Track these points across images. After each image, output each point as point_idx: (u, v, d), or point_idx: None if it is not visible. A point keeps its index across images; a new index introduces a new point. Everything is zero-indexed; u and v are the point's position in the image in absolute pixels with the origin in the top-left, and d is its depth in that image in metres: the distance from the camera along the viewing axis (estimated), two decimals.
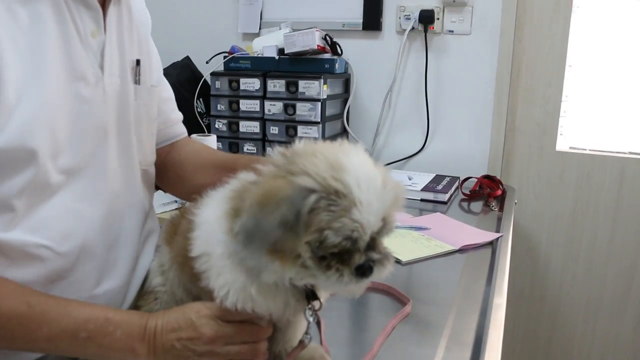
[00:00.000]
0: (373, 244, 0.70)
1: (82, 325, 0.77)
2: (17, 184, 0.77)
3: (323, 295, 0.78)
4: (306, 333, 0.81)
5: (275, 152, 0.73)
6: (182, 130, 1.25)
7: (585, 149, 2.25)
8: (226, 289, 0.74)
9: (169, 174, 1.20)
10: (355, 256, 0.68)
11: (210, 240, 0.77)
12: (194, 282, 0.84)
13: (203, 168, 1.18)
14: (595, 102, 2.22)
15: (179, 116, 1.24)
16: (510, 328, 2.38)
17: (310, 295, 0.77)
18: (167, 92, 1.21)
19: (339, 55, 2.26)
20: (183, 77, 2.34)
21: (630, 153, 2.19)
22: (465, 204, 1.97)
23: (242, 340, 0.78)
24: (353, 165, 0.67)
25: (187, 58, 2.44)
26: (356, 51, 2.35)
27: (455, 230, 1.60)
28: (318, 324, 0.97)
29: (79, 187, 0.86)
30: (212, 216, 0.79)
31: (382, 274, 0.71)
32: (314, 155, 0.67)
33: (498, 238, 1.54)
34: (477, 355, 0.94)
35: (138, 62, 1.01)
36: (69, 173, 0.85)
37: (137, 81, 1.00)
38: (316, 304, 0.77)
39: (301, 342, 0.82)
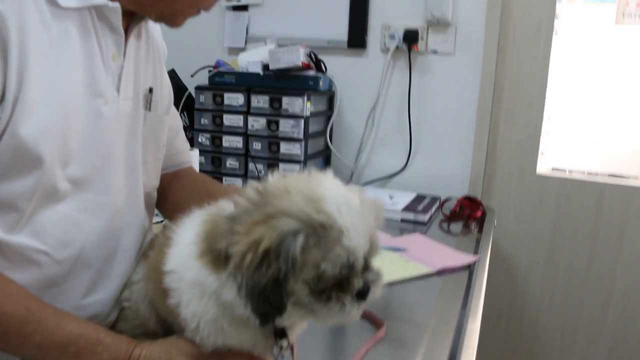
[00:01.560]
0: (366, 265, 0.70)
1: (73, 340, 0.78)
2: (24, 186, 0.80)
3: (293, 334, 0.78)
4: None
5: (248, 188, 0.73)
6: (187, 159, 1.28)
7: (565, 170, 2.27)
8: (196, 320, 0.74)
9: (167, 200, 1.21)
10: (354, 281, 0.68)
11: (183, 261, 0.77)
12: (161, 298, 0.84)
13: (197, 197, 1.19)
14: (576, 122, 2.24)
15: (186, 146, 1.28)
16: (489, 349, 2.38)
17: (279, 333, 0.76)
18: (176, 121, 1.25)
19: (324, 72, 2.27)
20: None
21: (610, 175, 2.21)
22: (445, 225, 1.98)
23: None
24: (329, 193, 0.67)
25: (173, 71, 2.43)
26: (341, 69, 2.36)
27: (434, 251, 1.60)
28: (291, 348, 0.96)
29: (84, 198, 0.88)
30: (186, 238, 0.79)
31: (378, 293, 0.72)
32: (288, 192, 0.67)
33: (475, 261, 1.54)
34: None
35: (151, 90, 1.04)
36: (76, 183, 0.87)
37: (148, 108, 1.04)
38: (284, 342, 0.77)
39: None
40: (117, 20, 0.91)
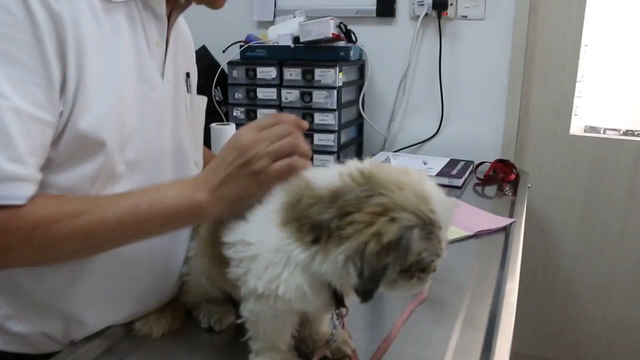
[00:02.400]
0: None
1: (139, 198, 0.84)
2: (88, 170, 0.86)
3: (349, 300, 0.83)
4: (332, 335, 0.87)
5: (350, 166, 0.78)
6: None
7: (600, 129, 2.27)
8: (275, 283, 0.78)
9: None
10: (434, 264, 0.76)
11: (253, 231, 0.82)
12: (219, 269, 0.90)
13: None
14: (611, 81, 2.23)
15: None
16: (523, 309, 2.41)
17: (340, 301, 0.82)
18: None
19: (354, 42, 2.28)
20: (200, 67, 2.35)
21: None
22: (479, 189, 2.01)
23: (281, 136, 0.85)
24: (433, 194, 0.75)
25: (204, 47, 2.47)
26: (370, 38, 2.38)
27: (470, 215, 1.64)
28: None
29: (137, 179, 0.93)
30: (258, 207, 0.84)
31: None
32: (401, 189, 0.73)
33: (511, 223, 1.58)
34: (490, 338, 0.99)
35: (188, 74, 1.10)
36: (131, 165, 0.92)
37: (189, 91, 1.10)
38: (343, 310, 0.83)
39: (327, 342, 0.88)
40: (162, 8, 0.96)
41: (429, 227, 0.72)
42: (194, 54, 1.21)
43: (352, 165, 0.79)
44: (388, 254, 0.70)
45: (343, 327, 0.98)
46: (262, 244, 0.79)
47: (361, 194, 0.73)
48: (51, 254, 0.83)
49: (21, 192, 0.77)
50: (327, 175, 0.79)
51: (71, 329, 0.96)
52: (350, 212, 0.72)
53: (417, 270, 0.75)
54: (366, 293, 0.73)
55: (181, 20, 1.11)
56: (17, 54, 0.75)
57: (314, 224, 0.75)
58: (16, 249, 0.79)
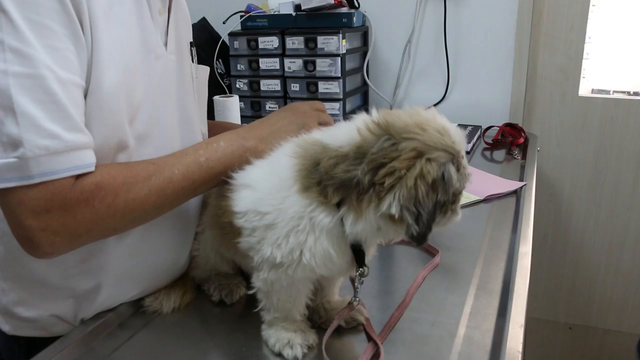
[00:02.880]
0: None
1: (196, 154, 0.90)
2: (100, 145, 0.83)
3: (368, 259, 0.83)
4: (355, 297, 0.87)
5: (363, 120, 0.77)
6: None
7: (609, 91, 2.24)
8: (298, 251, 0.78)
9: None
10: (461, 195, 0.78)
11: (267, 200, 0.80)
12: (229, 240, 0.89)
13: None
14: (619, 42, 2.19)
15: None
16: (534, 272, 2.41)
17: (361, 261, 0.81)
18: None
19: (356, 8, 2.24)
20: (201, 39, 2.35)
21: None
22: (488, 153, 1.99)
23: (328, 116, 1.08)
24: (449, 127, 0.76)
25: (204, 19, 2.43)
26: (373, 3, 2.33)
27: (480, 180, 1.62)
28: (352, 280, 1.01)
29: (145, 153, 0.92)
30: (268, 176, 0.83)
31: None
32: (423, 129, 0.73)
33: (522, 187, 1.56)
34: (505, 302, 0.98)
35: (191, 43, 1.09)
36: (139, 138, 0.91)
37: (193, 60, 1.08)
38: (365, 270, 0.82)
39: (350, 304, 0.88)
40: None
41: (457, 158, 0.75)
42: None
43: (363, 118, 0.77)
44: (435, 193, 0.72)
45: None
46: (280, 212, 0.78)
47: (386, 144, 0.72)
48: (130, 218, 0.84)
49: (88, 159, 0.78)
50: (341, 133, 0.78)
51: (82, 309, 0.95)
52: (383, 163, 0.72)
53: (451, 203, 0.76)
54: (422, 237, 0.73)
55: None
56: (48, 22, 0.74)
57: (341, 184, 0.74)
58: (103, 219, 0.79)
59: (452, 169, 0.73)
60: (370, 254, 0.83)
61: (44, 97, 0.73)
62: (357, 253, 0.80)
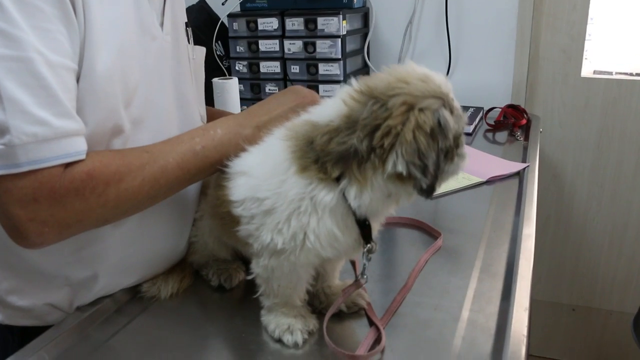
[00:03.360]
0: None
1: (192, 141, 0.88)
2: (95, 131, 0.80)
3: (374, 232, 0.81)
4: (362, 274, 0.85)
5: (344, 91, 0.76)
6: None
7: (612, 72, 2.21)
8: (301, 233, 0.76)
9: None
10: (461, 138, 0.78)
11: (264, 185, 0.79)
12: (228, 230, 0.87)
13: None
14: (621, 23, 2.16)
15: None
16: (537, 254, 2.39)
17: (368, 236, 0.80)
18: None
19: None
20: (200, 21, 2.32)
21: None
22: (490, 135, 1.97)
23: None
24: (430, 73, 0.75)
25: (203, 1, 2.40)
26: None
27: (482, 161, 1.60)
28: (352, 262, 1.00)
29: (141, 138, 0.89)
30: (263, 161, 0.82)
31: None
32: (406, 82, 0.72)
33: (525, 168, 1.54)
34: (509, 285, 0.97)
35: (187, 24, 1.05)
36: (135, 122, 0.88)
37: (189, 42, 1.05)
38: (373, 246, 0.80)
39: (357, 281, 0.86)
40: None
41: (447, 101, 0.74)
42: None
43: (345, 90, 0.76)
44: (435, 141, 0.71)
45: (355, 271, 0.97)
46: (280, 196, 0.76)
47: (375, 107, 0.71)
48: (123, 208, 0.82)
49: (79, 147, 0.75)
50: (328, 108, 0.77)
51: (78, 297, 0.93)
52: (377, 125, 0.71)
53: (454, 147, 0.76)
54: (431, 188, 0.72)
55: None
56: (37, 2, 0.71)
57: (339, 157, 0.73)
58: (94, 210, 0.77)
59: (445, 113, 0.72)
60: (376, 230, 0.82)
61: (32, 82, 0.70)
62: (364, 228, 0.78)
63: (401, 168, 0.69)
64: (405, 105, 0.70)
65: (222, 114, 1.24)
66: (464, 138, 0.79)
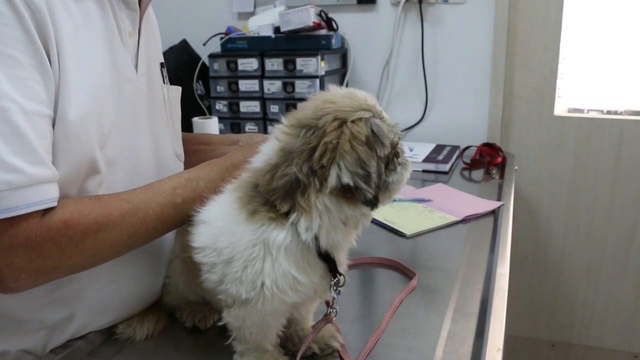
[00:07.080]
0: None
1: (173, 193, 0.88)
2: (70, 172, 0.81)
3: (342, 268, 0.81)
4: (331, 307, 0.85)
5: (276, 129, 0.78)
6: None
7: (583, 110, 2.26)
8: (259, 280, 0.75)
9: None
10: (399, 146, 0.80)
11: (223, 235, 0.79)
12: (193, 276, 0.88)
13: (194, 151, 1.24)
14: (592, 61, 2.22)
15: None
16: (514, 292, 2.42)
17: (334, 270, 0.80)
18: None
19: (335, 30, 2.26)
20: (181, 61, 2.35)
21: (629, 113, 2.20)
22: (466, 173, 2.00)
23: None
24: (352, 90, 0.78)
25: (184, 41, 2.44)
26: (352, 26, 2.35)
27: (458, 200, 1.63)
28: (327, 303, 1.00)
29: (116, 178, 0.90)
30: (220, 212, 0.81)
31: None
32: (331, 102, 0.75)
33: (500, 207, 1.56)
34: (482, 325, 0.97)
35: (162, 64, 1.07)
36: (110, 164, 0.89)
37: (164, 82, 1.06)
38: (341, 279, 0.80)
39: (326, 315, 0.86)
40: None
41: (376, 112, 0.76)
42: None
43: (276, 128, 0.79)
44: (373, 149, 0.72)
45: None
46: (235, 245, 0.76)
47: (308, 134, 0.73)
48: (100, 257, 0.82)
49: (52, 194, 0.75)
50: (264, 151, 0.79)
51: (52, 339, 0.92)
52: (313, 147, 0.72)
53: (394, 156, 0.78)
54: (376, 199, 0.73)
55: (150, 9, 1.07)
56: (12, 52, 0.72)
57: (285, 191, 0.74)
58: (71, 258, 0.78)
59: (378, 122, 0.74)
60: (343, 263, 0.81)
61: (6, 130, 0.71)
62: (328, 262, 0.78)
63: (347, 179, 0.70)
64: (338, 121, 0.72)
65: (201, 139, 1.25)
66: (402, 146, 0.81)
